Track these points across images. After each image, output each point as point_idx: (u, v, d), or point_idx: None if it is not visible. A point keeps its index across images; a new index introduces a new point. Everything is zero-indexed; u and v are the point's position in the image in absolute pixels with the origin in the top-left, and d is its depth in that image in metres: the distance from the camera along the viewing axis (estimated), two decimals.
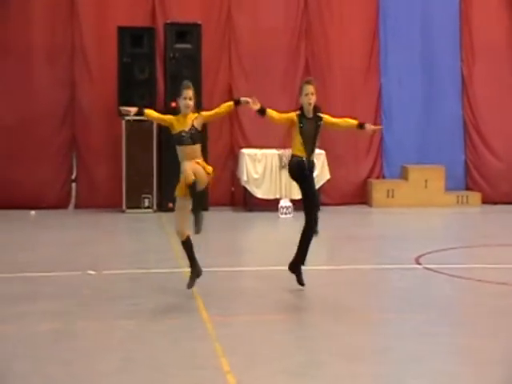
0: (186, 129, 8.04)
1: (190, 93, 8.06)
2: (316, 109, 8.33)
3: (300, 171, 8.30)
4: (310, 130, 8.27)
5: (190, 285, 8.11)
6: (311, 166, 8.36)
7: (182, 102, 8.09)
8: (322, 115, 8.37)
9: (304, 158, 8.28)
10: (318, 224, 8.34)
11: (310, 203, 8.33)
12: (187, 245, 8.11)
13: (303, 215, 8.36)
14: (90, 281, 8.89)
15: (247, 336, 6.95)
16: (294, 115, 8.33)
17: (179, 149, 8.05)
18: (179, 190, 8.04)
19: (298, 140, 8.28)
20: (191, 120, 8.07)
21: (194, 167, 7.90)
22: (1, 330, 7.06)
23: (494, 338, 6.88)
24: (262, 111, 8.35)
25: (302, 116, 8.30)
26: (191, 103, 8.06)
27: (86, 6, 14.36)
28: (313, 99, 8.26)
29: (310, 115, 8.31)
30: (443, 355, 6.43)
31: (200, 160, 8.05)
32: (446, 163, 14.89)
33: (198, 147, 8.08)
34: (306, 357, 6.37)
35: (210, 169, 8.11)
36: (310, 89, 8.26)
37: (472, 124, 15.31)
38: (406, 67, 15.16)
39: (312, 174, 8.42)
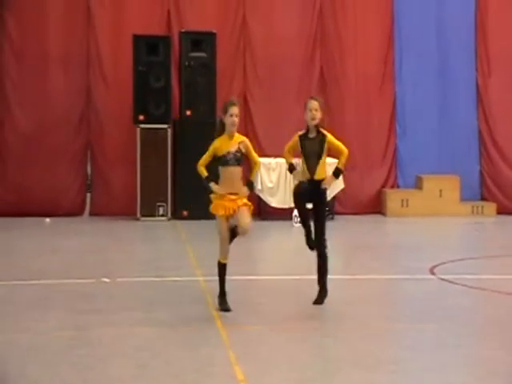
0: (233, 150, 7.89)
1: (236, 110, 7.90)
2: (318, 126, 8.07)
3: (298, 199, 8.15)
4: (313, 147, 8.05)
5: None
6: (316, 187, 8.05)
7: (228, 120, 7.89)
8: (326, 133, 8.12)
9: (306, 180, 8.07)
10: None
11: (314, 230, 8.21)
12: (225, 269, 8.01)
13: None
14: (105, 288, 8.91)
15: (261, 344, 6.95)
16: (296, 137, 8.18)
17: (223, 170, 7.88)
18: (219, 209, 7.85)
19: (301, 160, 8.15)
20: (237, 143, 7.92)
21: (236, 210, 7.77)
22: (15, 336, 7.08)
23: (509, 348, 6.85)
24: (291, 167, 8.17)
25: (304, 136, 8.13)
26: (237, 120, 7.91)
27: (102, 15, 14.44)
28: (317, 116, 8.02)
29: (313, 134, 8.09)
30: (457, 366, 6.42)
31: (240, 195, 7.86)
32: (461, 173, 14.84)
33: (240, 169, 7.93)
34: (319, 365, 6.37)
35: (250, 206, 7.92)
36: (313, 105, 8.02)
37: (487, 134, 15.27)
38: (421, 76, 15.14)
39: (316, 199, 8.12)
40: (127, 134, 14.06)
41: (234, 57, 14.79)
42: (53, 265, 10.20)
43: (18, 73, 14.31)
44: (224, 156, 7.87)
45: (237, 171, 7.90)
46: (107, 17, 14.48)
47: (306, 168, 8.10)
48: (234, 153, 7.87)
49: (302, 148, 8.12)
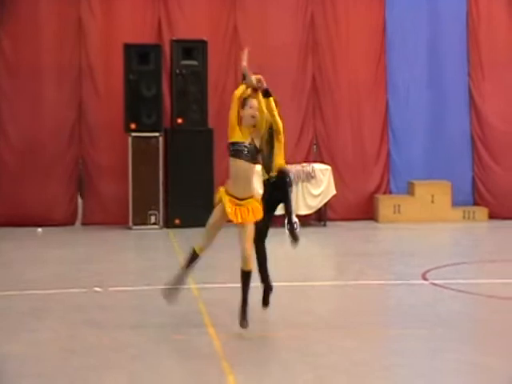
0: (246, 142, 7.33)
1: (255, 103, 7.44)
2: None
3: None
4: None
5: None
6: (276, 183, 8.20)
7: (247, 111, 7.38)
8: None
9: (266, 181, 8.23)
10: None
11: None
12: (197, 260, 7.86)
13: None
14: (97, 298, 8.89)
15: (255, 353, 6.94)
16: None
17: (234, 163, 7.34)
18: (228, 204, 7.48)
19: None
20: (250, 135, 7.40)
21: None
22: (8, 347, 7.06)
23: (502, 354, 6.85)
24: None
25: None
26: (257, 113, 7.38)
27: (93, 24, 14.43)
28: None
29: None
30: (450, 372, 6.42)
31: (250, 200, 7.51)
32: (453, 179, 14.87)
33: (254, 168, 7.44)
34: (313, 373, 6.36)
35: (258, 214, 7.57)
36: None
37: (479, 139, 15.30)
38: (413, 82, 15.18)
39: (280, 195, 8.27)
40: (118, 142, 14.06)
41: (226, 65, 14.79)
42: (45, 275, 10.18)
43: (11, 88, 14.27)
44: (238, 143, 7.26)
45: (251, 169, 7.32)
46: (98, 26, 14.47)
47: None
48: (249, 145, 7.30)
49: None
